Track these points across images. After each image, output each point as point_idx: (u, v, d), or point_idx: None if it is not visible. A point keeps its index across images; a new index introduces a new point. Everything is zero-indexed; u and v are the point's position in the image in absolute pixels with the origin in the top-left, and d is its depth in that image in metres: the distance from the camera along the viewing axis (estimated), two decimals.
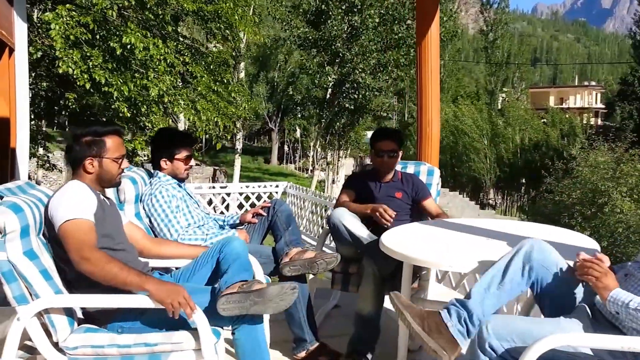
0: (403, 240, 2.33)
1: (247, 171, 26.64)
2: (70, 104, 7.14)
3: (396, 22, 15.95)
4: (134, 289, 1.82)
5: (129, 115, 7.31)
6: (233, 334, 1.97)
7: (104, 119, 8.26)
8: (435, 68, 3.69)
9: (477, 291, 1.77)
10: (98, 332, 1.89)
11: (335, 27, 15.43)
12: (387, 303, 2.68)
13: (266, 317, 2.38)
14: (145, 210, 2.65)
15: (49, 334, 1.82)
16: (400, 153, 3.07)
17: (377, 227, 2.77)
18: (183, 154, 2.76)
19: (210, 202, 6.61)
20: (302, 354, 2.63)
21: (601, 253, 1.92)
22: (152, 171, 2.83)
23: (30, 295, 1.78)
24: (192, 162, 2.81)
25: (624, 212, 14.70)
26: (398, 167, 3.18)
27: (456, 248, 2.29)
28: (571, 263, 1.87)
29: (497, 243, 1.90)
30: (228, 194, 6.40)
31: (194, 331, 1.84)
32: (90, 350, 1.82)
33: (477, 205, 28.83)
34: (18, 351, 1.79)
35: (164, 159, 2.76)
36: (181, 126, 17.41)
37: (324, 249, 2.99)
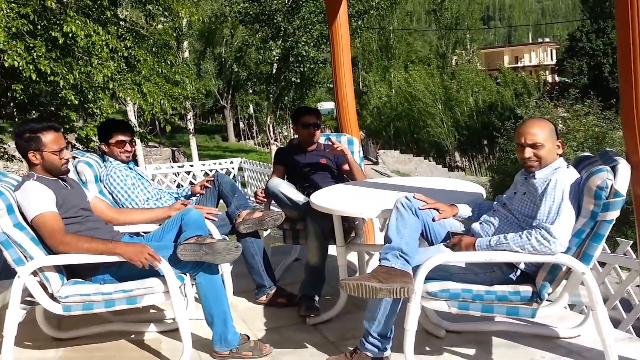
0: (329, 198, 2.84)
1: (206, 150, 26.31)
2: (18, 95, 7.17)
3: None
4: (107, 255, 2.25)
5: (76, 102, 7.43)
6: (194, 279, 2.44)
7: (52, 108, 8.29)
8: (346, 46, 4.07)
9: (392, 234, 2.26)
10: (84, 283, 2.35)
11: (275, 1, 15.40)
12: (331, 252, 3.21)
13: (227, 272, 2.89)
14: (106, 189, 3.05)
15: (44, 288, 2.26)
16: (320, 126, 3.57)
17: (310, 191, 3.26)
18: (115, 139, 3.07)
19: (175, 181, 7.41)
20: (263, 297, 3.16)
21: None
22: (104, 157, 3.18)
23: (25, 257, 2.22)
24: (128, 146, 3.10)
25: None
26: (322, 140, 3.67)
27: (367, 200, 2.81)
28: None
29: (400, 195, 2.42)
30: (188, 172, 6.86)
31: (162, 277, 2.31)
32: (79, 297, 2.28)
33: (445, 169, 28.60)
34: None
35: (103, 144, 3.13)
36: (130, 110, 17.27)
37: (271, 207, 3.48)
